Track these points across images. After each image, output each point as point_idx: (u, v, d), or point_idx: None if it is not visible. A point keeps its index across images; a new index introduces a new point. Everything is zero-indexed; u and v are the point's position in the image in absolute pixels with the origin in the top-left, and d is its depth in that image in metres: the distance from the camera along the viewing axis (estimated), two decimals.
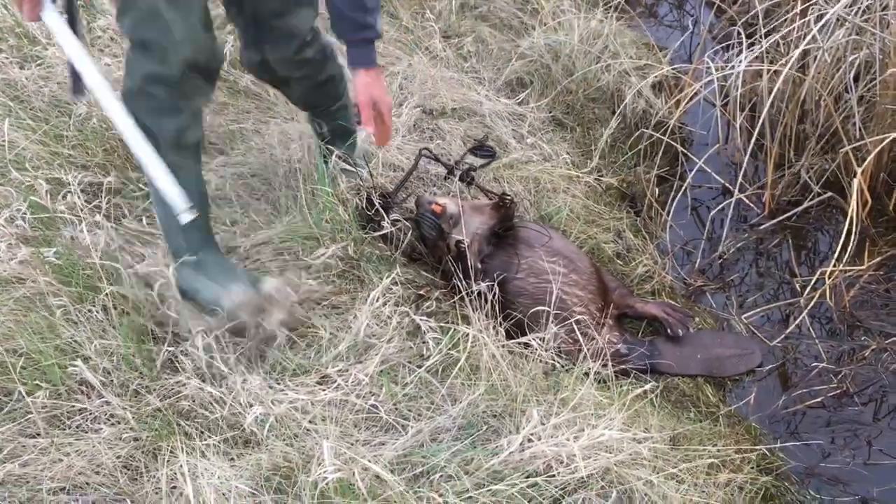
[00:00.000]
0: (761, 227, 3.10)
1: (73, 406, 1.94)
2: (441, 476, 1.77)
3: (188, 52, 1.91)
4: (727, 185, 3.18)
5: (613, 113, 3.34)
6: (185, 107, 2.01)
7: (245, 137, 2.79)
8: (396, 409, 2.02)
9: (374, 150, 2.72)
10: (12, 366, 1.90)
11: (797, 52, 2.89)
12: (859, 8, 2.91)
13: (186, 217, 1.92)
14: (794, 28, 2.99)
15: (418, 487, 1.75)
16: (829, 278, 2.69)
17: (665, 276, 2.81)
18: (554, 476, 1.82)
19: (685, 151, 3.30)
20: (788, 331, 2.67)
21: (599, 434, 1.88)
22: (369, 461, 1.73)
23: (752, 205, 3.15)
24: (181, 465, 1.76)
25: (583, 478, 1.81)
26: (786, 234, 3.09)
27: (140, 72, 1.93)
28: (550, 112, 3.41)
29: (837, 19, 2.94)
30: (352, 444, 1.89)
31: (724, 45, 3.66)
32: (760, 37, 3.10)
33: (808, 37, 2.88)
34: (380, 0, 2.06)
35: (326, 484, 1.67)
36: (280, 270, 2.29)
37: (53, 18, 1.82)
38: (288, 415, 1.94)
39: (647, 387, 2.13)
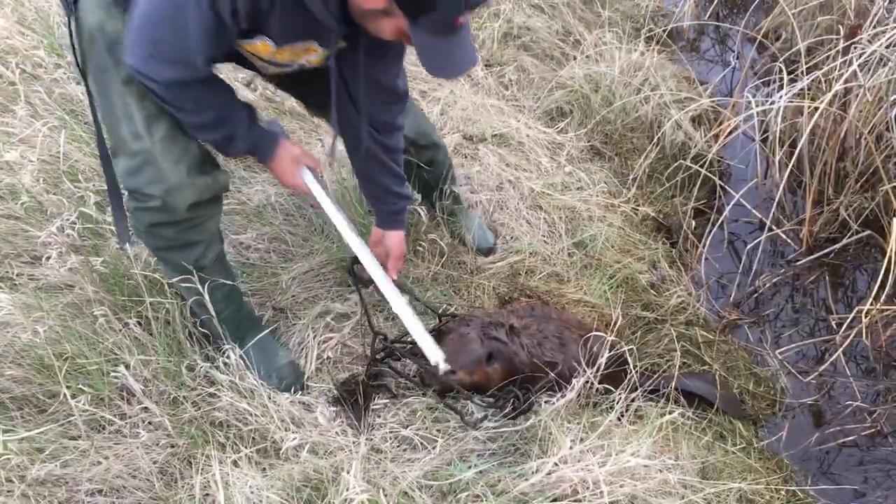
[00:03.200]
0: (798, 263, 3.09)
1: (114, 411, 1.99)
2: (468, 495, 1.79)
3: (191, 196, 1.84)
4: (764, 219, 3.17)
5: (652, 144, 3.35)
6: (198, 237, 1.97)
7: None
8: (426, 428, 2.05)
9: None
10: (58, 369, 1.97)
11: (837, 89, 2.88)
12: None
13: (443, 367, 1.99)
14: (835, 66, 2.99)
15: None
16: (865, 317, 2.65)
17: (699, 308, 2.81)
18: (580, 501, 1.83)
19: (723, 185, 3.30)
20: (823, 368, 2.64)
21: (626, 461, 1.89)
22: (397, 478, 1.76)
23: (789, 241, 3.14)
24: (214, 474, 1.81)
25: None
26: (823, 271, 3.07)
27: (144, 221, 1.88)
28: (589, 141, 3.45)
29: (880, 58, 2.93)
30: (380, 462, 1.93)
31: (764, 80, 3.66)
32: (802, 73, 3.10)
33: (848, 73, 2.88)
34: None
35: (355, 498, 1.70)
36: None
37: (309, 178, 2.01)
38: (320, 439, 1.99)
39: (676, 413, 2.13)
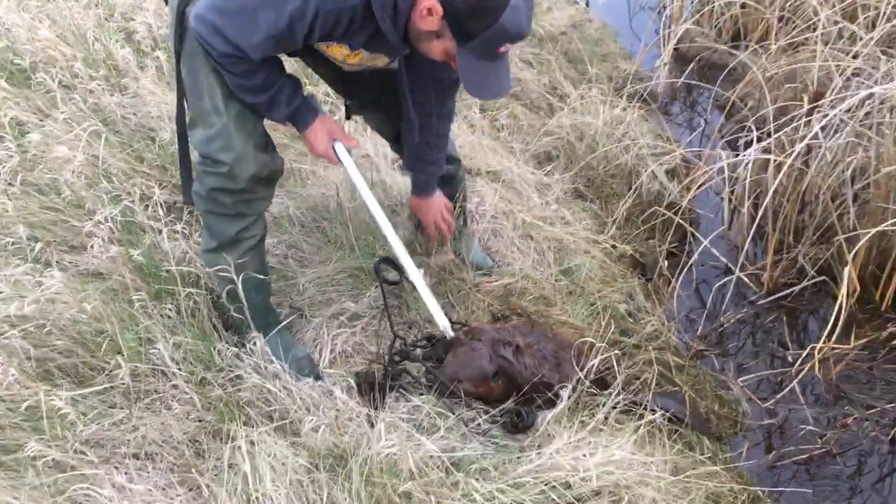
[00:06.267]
0: (759, 304, 3.38)
1: (148, 387, 2.17)
2: (476, 468, 2.00)
3: (253, 168, 2.10)
4: (729, 264, 3.48)
5: (630, 190, 3.66)
6: (248, 212, 2.22)
7: (303, 175, 3.09)
8: (431, 418, 2.26)
9: None
10: (98, 345, 2.15)
11: (800, 147, 3.21)
12: (858, 113, 3.25)
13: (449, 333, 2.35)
14: (799, 125, 3.34)
15: (453, 476, 1.99)
16: (818, 353, 2.93)
17: (671, 336, 3.08)
18: (570, 487, 2.05)
19: (693, 232, 3.62)
20: (780, 395, 2.91)
21: (612, 454, 2.12)
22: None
23: (751, 284, 3.44)
24: (240, 445, 1.99)
25: (596, 489, 2.05)
26: (781, 312, 3.36)
27: (208, 184, 2.13)
28: (573, 184, 3.74)
29: (840, 122, 3.28)
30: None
31: (731, 138, 4.01)
32: (769, 133, 3.44)
33: (811, 134, 3.22)
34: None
35: (374, 464, 1.90)
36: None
37: (341, 150, 2.29)
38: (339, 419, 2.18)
39: (656, 416, 2.37)
